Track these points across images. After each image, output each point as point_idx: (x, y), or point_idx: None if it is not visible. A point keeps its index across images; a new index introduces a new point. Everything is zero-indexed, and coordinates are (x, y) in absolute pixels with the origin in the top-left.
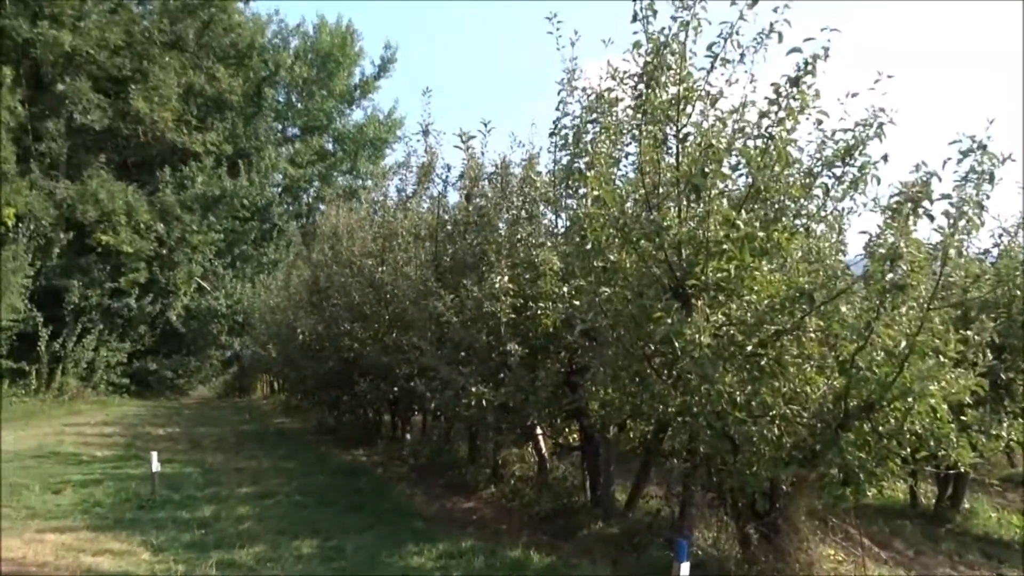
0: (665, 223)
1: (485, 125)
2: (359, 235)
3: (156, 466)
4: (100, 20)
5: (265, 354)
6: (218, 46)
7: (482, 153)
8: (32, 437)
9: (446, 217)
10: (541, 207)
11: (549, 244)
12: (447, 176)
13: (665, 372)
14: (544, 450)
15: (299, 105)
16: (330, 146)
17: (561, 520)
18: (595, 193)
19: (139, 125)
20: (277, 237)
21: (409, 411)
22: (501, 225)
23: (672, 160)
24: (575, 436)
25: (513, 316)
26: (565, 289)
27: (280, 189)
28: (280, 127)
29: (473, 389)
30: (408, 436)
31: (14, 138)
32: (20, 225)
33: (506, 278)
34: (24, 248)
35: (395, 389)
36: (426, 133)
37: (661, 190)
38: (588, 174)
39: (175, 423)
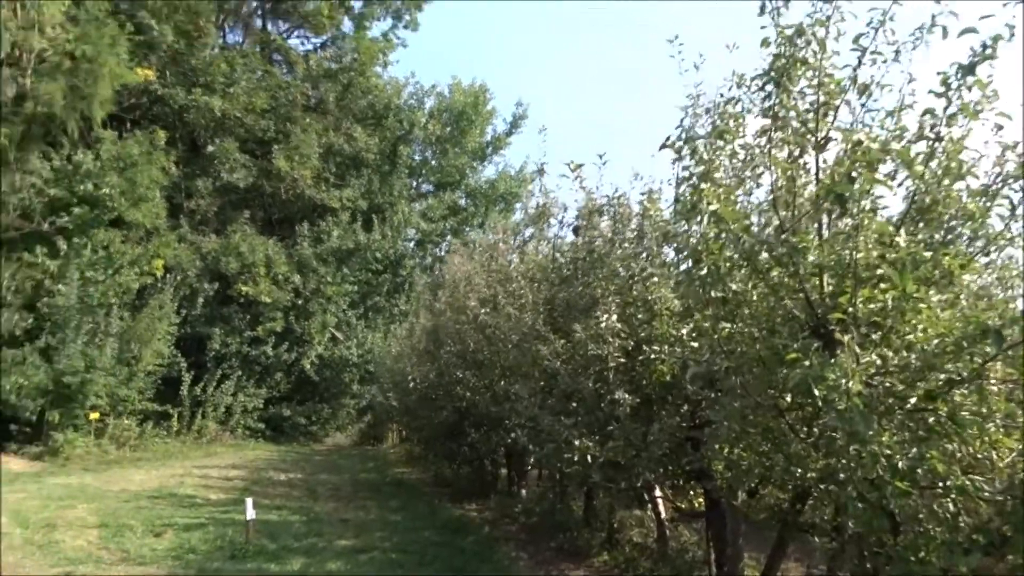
0: (801, 244)
1: (600, 157)
2: (475, 281)
3: (251, 514)
4: (248, 86)
5: (385, 402)
6: (356, 108)
7: (596, 188)
8: (159, 478)
9: (560, 258)
10: (660, 245)
11: (666, 282)
12: (563, 217)
13: (803, 428)
14: (663, 515)
15: (433, 162)
16: (462, 201)
17: None
18: (712, 208)
19: (280, 183)
20: (408, 289)
21: (525, 465)
22: (616, 263)
23: (811, 168)
24: (700, 500)
25: (623, 361)
26: (684, 331)
27: (413, 243)
28: (414, 183)
29: (576, 443)
30: (523, 492)
31: (167, 196)
32: (168, 276)
33: (614, 317)
34: (171, 297)
35: (507, 441)
36: (541, 172)
37: (796, 208)
38: (703, 187)
39: (299, 469)
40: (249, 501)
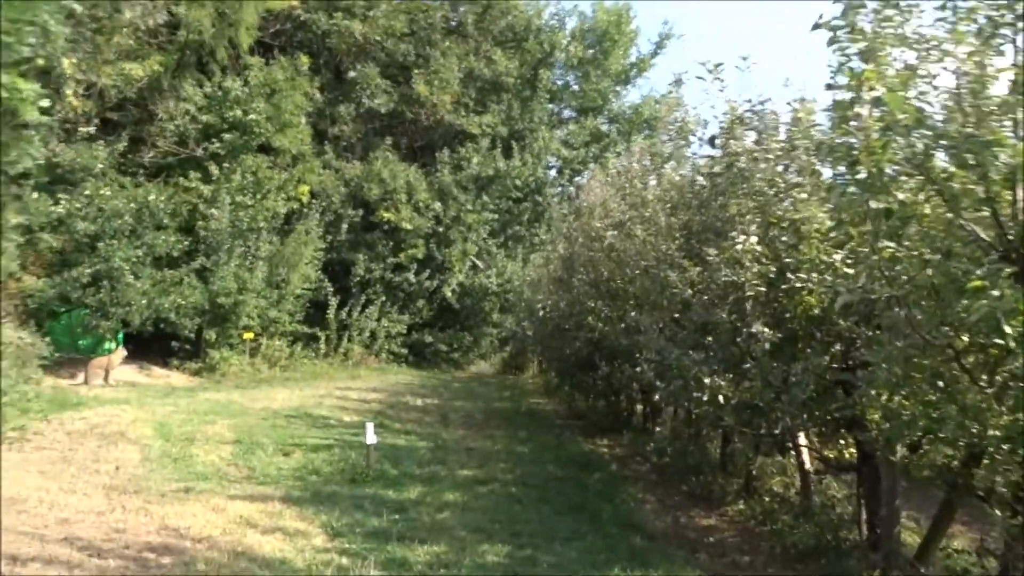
0: (992, 141)
1: (744, 60)
2: (610, 206)
3: (372, 439)
4: (387, 9)
5: (521, 332)
6: (496, 30)
7: (739, 96)
8: (300, 397)
9: (700, 180)
10: (812, 157)
11: (817, 199)
12: (703, 134)
13: (983, 375)
14: (807, 465)
15: (574, 86)
16: (605, 127)
17: (824, 559)
18: (873, 93)
19: (421, 108)
20: (548, 219)
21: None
22: (758, 179)
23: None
24: (852, 452)
25: (763, 290)
26: (837, 256)
27: (554, 171)
28: (555, 108)
29: (707, 380)
30: (658, 430)
31: (312, 122)
32: (314, 201)
33: (754, 239)
34: (316, 223)
35: (636, 375)
36: (679, 83)
37: (986, 101)
38: (865, 68)
39: (436, 395)
40: (370, 426)
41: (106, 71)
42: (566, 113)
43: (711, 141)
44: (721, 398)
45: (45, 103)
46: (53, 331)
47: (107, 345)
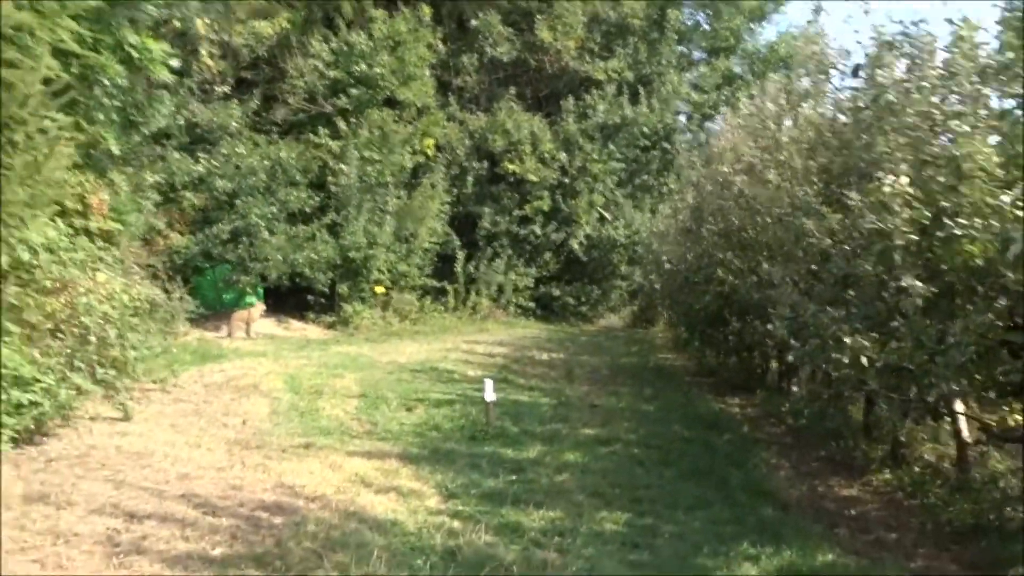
0: None
1: None
2: (741, 150)
3: (490, 396)
4: None
5: (646, 285)
6: None
7: (889, 20)
8: (427, 351)
9: (841, 116)
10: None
11: (984, 131)
12: (845, 66)
13: None
14: (965, 434)
15: (705, 26)
16: (738, 68)
17: (984, 541)
18: None
19: (544, 55)
20: (678, 167)
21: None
22: (910, 113)
23: None
24: (1017, 419)
25: (915, 238)
26: (1006, 199)
27: (683, 116)
28: (684, 50)
29: (847, 340)
30: (795, 389)
31: (435, 74)
32: (439, 155)
33: (904, 180)
34: (442, 176)
35: (766, 331)
36: (818, 11)
37: None
38: None
39: (562, 349)
40: (488, 383)
41: (238, 30)
42: (696, 55)
43: (855, 71)
44: (864, 360)
45: (174, 62)
46: (200, 286)
47: (248, 299)
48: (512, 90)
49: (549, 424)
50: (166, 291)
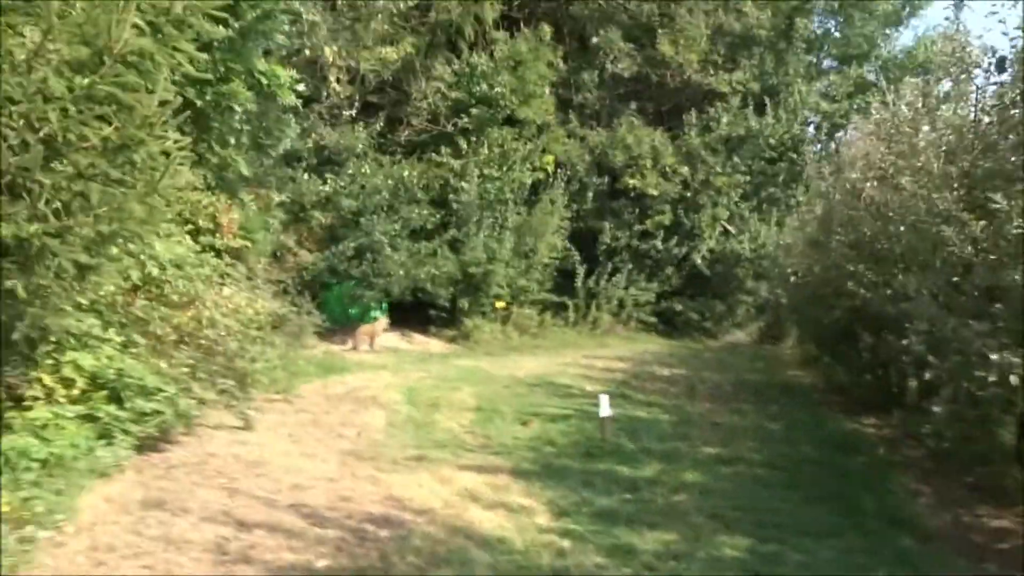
0: None
1: None
2: (873, 158)
3: (606, 411)
4: None
5: (772, 299)
6: None
7: None
8: (545, 365)
9: (985, 118)
10: None
11: None
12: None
13: None
14: None
15: (836, 33)
16: (871, 76)
17: None
18: None
19: (666, 70)
20: (806, 178)
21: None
22: None
23: None
24: None
25: None
26: None
27: (812, 127)
28: (813, 59)
29: (994, 357)
30: (936, 409)
31: (556, 92)
32: (559, 171)
33: None
34: (562, 192)
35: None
36: (959, 7)
37: None
38: None
39: (684, 365)
40: (604, 398)
41: (364, 56)
42: (826, 63)
43: (1000, 65)
44: (1013, 378)
45: (301, 87)
46: (327, 301)
47: (373, 314)
48: (633, 105)
49: (668, 442)
50: (295, 306)
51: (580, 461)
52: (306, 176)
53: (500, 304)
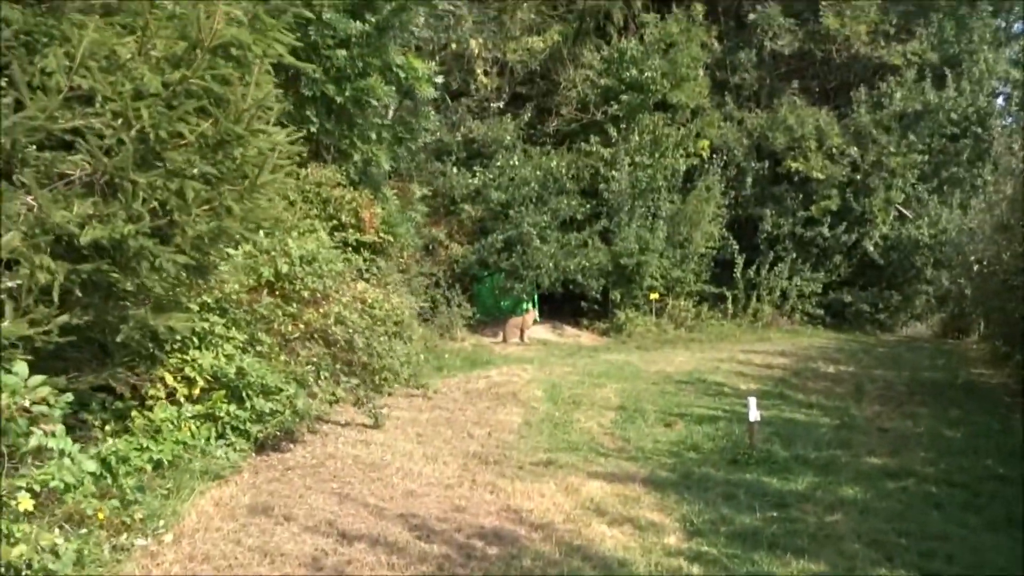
0: None
1: None
2: None
3: (754, 415)
4: None
5: (955, 289)
6: None
7: None
8: (698, 361)
9: None
10: None
11: None
12: None
13: None
14: None
15: None
16: None
17: None
18: None
19: (831, 45)
20: (995, 155)
21: None
22: None
23: None
24: None
25: None
26: None
27: (1001, 98)
28: (1002, 23)
29: None
30: None
31: (710, 73)
32: (714, 156)
33: None
34: (718, 178)
35: None
36: None
37: None
38: None
39: (853, 361)
40: (752, 401)
41: (511, 47)
42: (1017, 27)
43: None
44: None
45: (440, 80)
46: (479, 294)
47: (524, 306)
48: (795, 84)
49: (826, 450)
50: (446, 299)
51: (724, 470)
52: (455, 170)
53: (654, 296)
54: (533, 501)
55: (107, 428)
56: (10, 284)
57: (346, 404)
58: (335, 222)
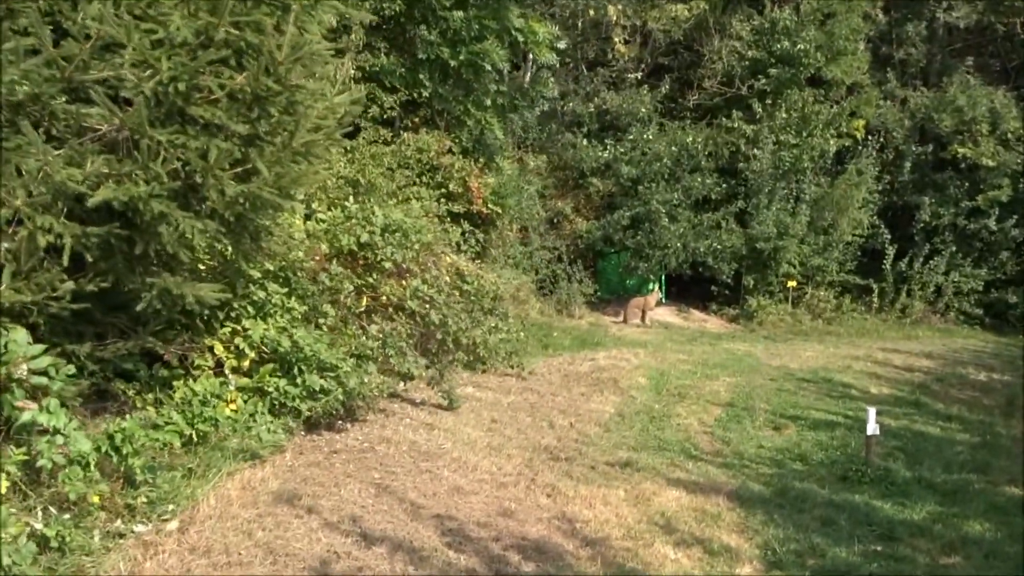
0: None
1: None
2: None
3: (873, 427)
4: None
5: None
6: None
7: None
8: (829, 356)
9: None
10: None
11: None
12: None
13: None
14: None
15: None
16: None
17: None
18: None
19: (1017, 17)
20: None
21: None
22: None
23: None
24: None
25: None
26: None
27: None
28: None
29: None
30: None
31: (872, 47)
32: (870, 138)
33: None
34: (872, 161)
35: None
36: None
37: None
38: None
39: (1010, 370)
40: (872, 412)
41: (653, 15)
42: None
43: None
44: None
45: (561, 45)
46: (604, 271)
47: (649, 286)
48: (969, 61)
49: (958, 473)
50: (567, 275)
51: (830, 487)
52: (585, 142)
53: (791, 283)
54: (594, 509)
55: (147, 397)
56: (5, 245)
57: (421, 384)
58: (443, 190)
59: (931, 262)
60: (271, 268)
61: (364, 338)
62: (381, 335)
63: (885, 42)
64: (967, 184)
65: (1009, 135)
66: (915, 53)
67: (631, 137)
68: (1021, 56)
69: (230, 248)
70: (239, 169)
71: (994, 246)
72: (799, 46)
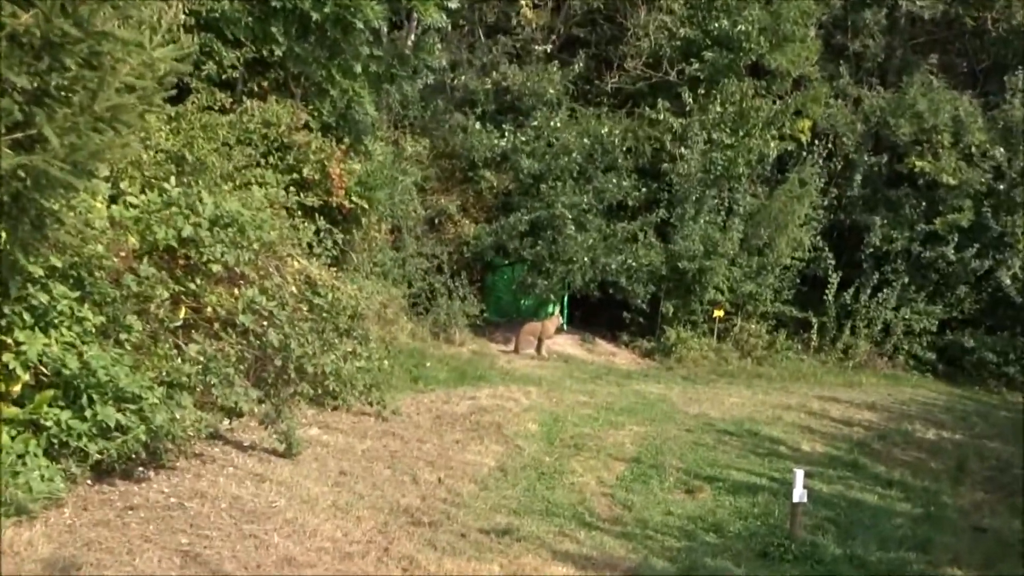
0: None
1: None
2: None
3: (800, 493)
4: None
5: None
6: None
7: None
8: (756, 405)
9: None
10: None
11: None
12: None
13: None
14: None
15: None
16: None
17: None
18: None
19: (987, 12)
20: None
21: None
22: None
23: None
24: None
25: None
26: None
27: None
28: None
29: None
30: None
31: (824, 35)
32: (816, 142)
33: None
34: (817, 171)
35: None
36: None
37: None
38: None
39: (961, 427)
40: (799, 475)
41: None
42: None
43: None
44: None
45: (454, 4)
46: (494, 288)
47: (548, 308)
48: (933, 58)
49: (895, 550)
50: (448, 290)
51: (747, 566)
52: (478, 125)
53: (718, 313)
54: None
55: None
56: None
57: (257, 420)
58: (295, 176)
59: (880, 295)
60: (58, 265)
61: (179, 361)
62: (202, 358)
63: (839, 30)
64: (924, 204)
65: (973, 149)
66: (872, 45)
67: (535, 123)
68: (992, 57)
69: (3, 236)
70: (19, 135)
71: (951, 279)
72: (740, 27)
